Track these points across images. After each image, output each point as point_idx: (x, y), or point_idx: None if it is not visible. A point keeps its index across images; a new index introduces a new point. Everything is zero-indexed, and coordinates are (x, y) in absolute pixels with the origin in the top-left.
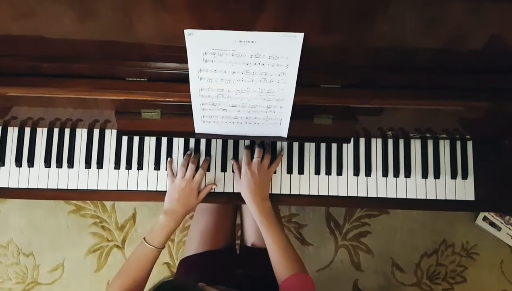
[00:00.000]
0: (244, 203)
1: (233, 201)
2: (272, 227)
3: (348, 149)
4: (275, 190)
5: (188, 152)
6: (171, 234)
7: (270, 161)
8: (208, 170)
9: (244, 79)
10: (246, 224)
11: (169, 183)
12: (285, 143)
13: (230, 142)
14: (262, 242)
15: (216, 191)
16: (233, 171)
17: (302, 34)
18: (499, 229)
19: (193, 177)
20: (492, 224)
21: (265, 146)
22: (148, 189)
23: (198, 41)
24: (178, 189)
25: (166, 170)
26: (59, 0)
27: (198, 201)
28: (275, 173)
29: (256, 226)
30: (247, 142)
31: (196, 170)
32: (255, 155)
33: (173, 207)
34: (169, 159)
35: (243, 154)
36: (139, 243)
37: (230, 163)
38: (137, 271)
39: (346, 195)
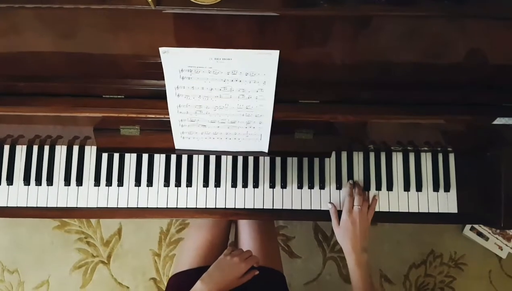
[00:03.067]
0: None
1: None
2: (364, 280)
3: (330, 162)
4: (258, 205)
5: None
6: None
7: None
8: (190, 185)
9: (222, 95)
10: (242, 241)
11: (222, 255)
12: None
13: (212, 158)
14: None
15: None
16: (215, 186)
17: (278, 51)
18: (487, 239)
19: (245, 260)
20: (480, 234)
21: (357, 188)
22: (129, 206)
23: (174, 59)
24: (228, 263)
25: (145, 186)
26: (35, 20)
27: (238, 284)
28: None
29: (252, 244)
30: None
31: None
32: (356, 203)
33: (214, 278)
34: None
35: (345, 200)
36: None
37: (212, 177)
38: None
39: (329, 209)
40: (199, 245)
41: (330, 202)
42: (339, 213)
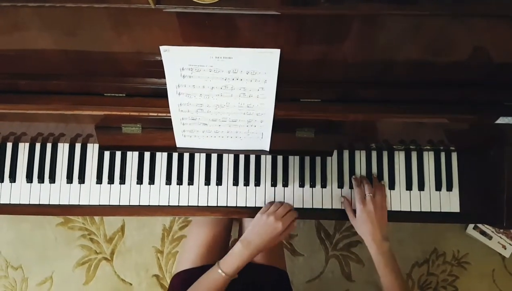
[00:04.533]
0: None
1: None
2: (389, 268)
3: (332, 161)
4: (260, 203)
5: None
6: (242, 266)
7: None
8: (192, 183)
9: (223, 94)
10: None
11: (258, 214)
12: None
13: (214, 156)
14: (260, 257)
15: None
16: (217, 184)
17: (279, 50)
18: (490, 237)
19: (283, 216)
20: (483, 233)
21: (372, 178)
22: (130, 204)
23: (174, 57)
24: (264, 223)
25: (147, 184)
26: (37, 18)
27: (278, 240)
28: None
29: None
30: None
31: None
32: (366, 191)
33: (252, 240)
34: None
35: (354, 192)
36: (214, 266)
37: (214, 176)
38: None
39: (330, 207)
40: (202, 243)
41: (342, 196)
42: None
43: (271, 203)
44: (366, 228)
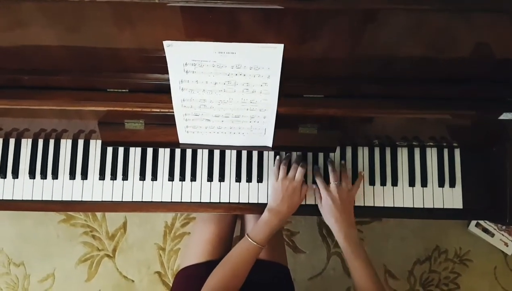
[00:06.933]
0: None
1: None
2: (357, 255)
3: (335, 157)
4: (262, 200)
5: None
6: (273, 233)
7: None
8: (194, 180)
9: (226, 90)
10: None
11: (272, 182)
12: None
13: (217, 152)
14: (262, 253)
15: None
16: (219, 180)
17: (282, 45)
18: (492, 235)
19: (295, 179)
20: (485, 230)
21: (341, 166)
22: (133, 200)
23: (178, 53)
24: (281, 188)
25: (149, 180)
26: (40, 13)
27: (301, 199)
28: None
29: None
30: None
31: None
32: (331, 179)
33: (278, 207)
34: (277, 157)
35: (317, 181)
36: (243, 238)
37: (216, 172)
38: (238, 265)
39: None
40: (207, 239)
41: (313, 184)
42: None
43: (278, 165)
44: (331, 215)
